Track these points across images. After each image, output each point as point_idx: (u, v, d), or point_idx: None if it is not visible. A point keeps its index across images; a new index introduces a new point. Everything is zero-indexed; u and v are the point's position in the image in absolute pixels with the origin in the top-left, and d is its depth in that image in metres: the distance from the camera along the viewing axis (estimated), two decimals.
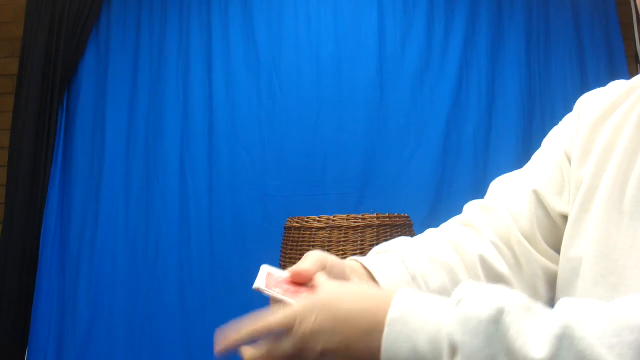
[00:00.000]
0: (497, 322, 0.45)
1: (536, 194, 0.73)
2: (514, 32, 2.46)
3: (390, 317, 0.49)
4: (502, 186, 0.78)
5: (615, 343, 0.42)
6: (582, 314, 0.45)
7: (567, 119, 0.78)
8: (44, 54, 2.47)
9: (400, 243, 0.74)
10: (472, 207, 0.78)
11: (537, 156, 0.79)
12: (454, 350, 0.46)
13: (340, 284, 0.58)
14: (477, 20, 2.48)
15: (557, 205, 0.71)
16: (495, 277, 0.71)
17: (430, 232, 0.77)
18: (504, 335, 0.44)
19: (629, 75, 2.36)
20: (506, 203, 0.75)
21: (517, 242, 0.72)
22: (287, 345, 0.52)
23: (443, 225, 0.79)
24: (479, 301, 0.46)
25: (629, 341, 0.42)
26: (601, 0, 2.44)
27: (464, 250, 0.72)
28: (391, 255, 0.70)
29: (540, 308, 0.46)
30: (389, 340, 0.48)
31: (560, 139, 0.76)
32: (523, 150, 2.38)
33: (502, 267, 0.71)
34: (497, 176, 2.68)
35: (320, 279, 0.58)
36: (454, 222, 0.79)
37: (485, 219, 0.75)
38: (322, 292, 0.55)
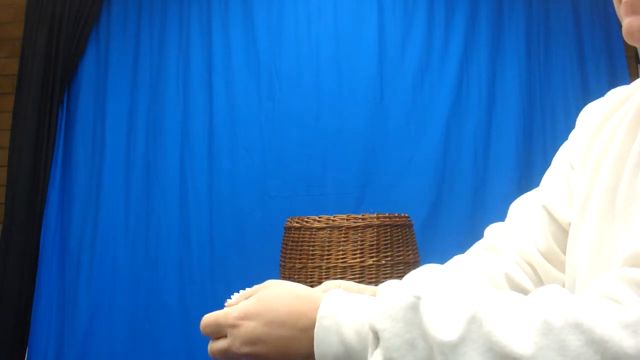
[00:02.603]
0: (414, 308, 0.48)
1: (546, 209, 0.74)
2: (514, 32, 2.46)
3: (320, 313, 0.52)
4: (519, 206, 0.80)
5: (519, 325, 0.44)
6: (493, 298, 0.47)
7: (571, 133, 0.79)
8: (44, 54, 2.47)
9: (428, 269, 0.76)
10: (493, 230, 0.81)
11: (547, 173, 0.81)
12: (376, 337, 0.48)
13: (274, 287, 0.59)
14: (477, 20, 2.48)
15: (566, 216, 0.72)
16: (522, 293, 0.71)
17: (456, 258, 0.79)
18: (421, 320, 0.47)
19: (629, 75, 2.36)
20: (522, 223, 0.77)
21: (536, 261, 0.73)
22: (221, 346, 0.58)
23: (468, 251, 0.81)
24: (398, 291, 0.49)
25: (532, 325, 0.43)
26: (601, 0, 2.44)
27: (489, 271, 0.73)
28: (419, 281, 0.72)
29: (456, 294, 0.49)
30: (319, 335, 0.51)
31: (565, 152, 0.78)
32: (523, 150, 2.38)
33: (528, 284, 0.72)
34: (497, 176, 2.68)
35: (262, 287, 0.60)
36: (477, 247, 0.81)
37: (507, 240, 0.77)
38: (254, 299, 0.58)
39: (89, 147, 2.52)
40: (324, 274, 1.77)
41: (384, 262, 1.77)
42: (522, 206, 0.79)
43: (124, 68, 2.56)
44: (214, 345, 0.59)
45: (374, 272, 1.76)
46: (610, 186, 0.62)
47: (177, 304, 2.38)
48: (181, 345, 2.34)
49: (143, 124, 2.52)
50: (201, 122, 2.50)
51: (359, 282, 1.75)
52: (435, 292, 0.49)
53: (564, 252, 0.71)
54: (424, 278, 0.72)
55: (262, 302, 0.57)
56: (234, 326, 0.56)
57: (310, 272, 1.79)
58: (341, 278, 1.76)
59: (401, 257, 1.81)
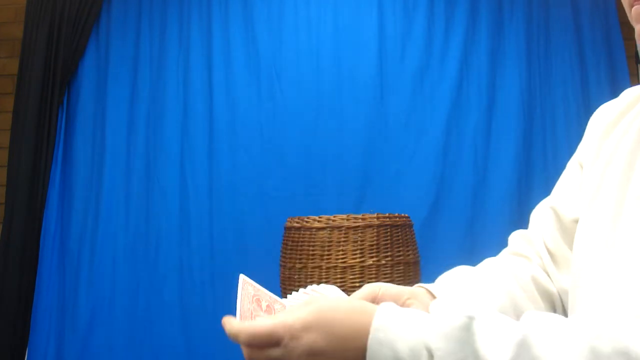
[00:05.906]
0: (467, 328, 0.49)
1: (553, 209, 0.77)
2: (514, 32, 2.46)
3: (374, 325, 0.53)
4: (535, 213, 0.84)
5: (567, 352, 0.46)
6: (542, 323, 0.49)
7: (584, 135, 0.81)
8: (44, 54, 2.47)
9: (460, 270, 0.79)
10: (515, 238, 0.84)
11: (560, 177, 0.83)
12: (430, 355, 0.50)
13: (329, 301, 0.59)
14: (477, 20, 2.48)
15: (571, 213, 0.74)
16: (548, 295, 0.75)
17: (487, 260, 0.82)
18: (473, 340, 0.49)
19: (629, 75, 2.36)
20: (538, 228, 0.80)
21: (549, 266, 0.76)
22: (273, 355, 0.55)
23: (498, 256, 0.84)
24: (452, 311, 0.51)
25: (579, 352, 0.45)
26: (601, 0, 2.44)
27: (517, 274, 0.76)
28: (454, 281, 0.75)
29: (507, 318, 0.51)
30: (372, 347, 0.52)
31: (577, 154, 0.79)
32: (523, 150, 2.38)
33: (552, 287, 0.76)
34: (497, 176, 2.68)
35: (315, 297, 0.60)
36: (504, 253, 0.84)
37: (529, 247, 0.81)
38: (314, 310, 0.56)
39: (89, 147, 2.52)
40: (324, 274, 1.77)
41: (384, 262, 1.77)
42: (537, 212, 0.83)
43: (124, 68, 2.56)
44: (264, 355, 0.56)
45: (373, 272, 1.76)
46: (621, 182, 0.63)
47: (177, 304, 2.37)
48: (181, 345, 2.34)
49: (143, 123, 2.52)
50: (201, 122, 2.50)
51: (359, 282, 1.75)
52: (488, 314, 0.51)
53: (572, 249, 0.73)
54: (457, 281, 0.74)
55: (324, 314, 0.56)
56: (294, 337, 0.55)
57: (310, 272, 1.79)
58: (341, 278, 1.76)
59: (401, 257, 1.81)
